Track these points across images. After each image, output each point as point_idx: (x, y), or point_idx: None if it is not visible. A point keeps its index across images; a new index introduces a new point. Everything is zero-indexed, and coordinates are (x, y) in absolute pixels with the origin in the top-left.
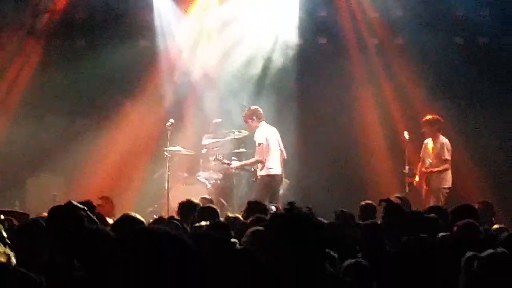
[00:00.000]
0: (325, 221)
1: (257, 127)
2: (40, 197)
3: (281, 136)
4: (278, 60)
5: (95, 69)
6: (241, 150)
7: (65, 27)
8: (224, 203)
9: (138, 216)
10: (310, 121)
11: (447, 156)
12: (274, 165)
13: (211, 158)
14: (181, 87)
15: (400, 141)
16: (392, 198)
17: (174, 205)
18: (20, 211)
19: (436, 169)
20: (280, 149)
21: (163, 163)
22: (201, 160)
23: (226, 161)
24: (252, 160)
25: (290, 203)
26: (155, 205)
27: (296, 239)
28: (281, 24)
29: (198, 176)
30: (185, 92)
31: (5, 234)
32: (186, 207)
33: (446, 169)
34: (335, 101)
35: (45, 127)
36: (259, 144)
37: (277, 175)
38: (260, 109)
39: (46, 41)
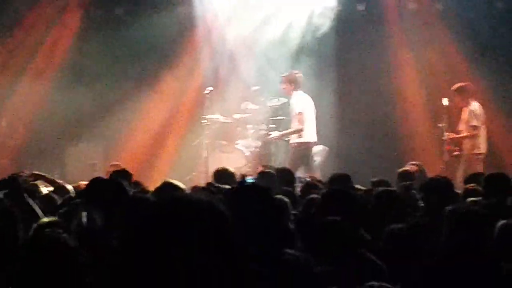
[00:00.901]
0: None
1: (292, 93)
2: (79, 166)
3: (320, 102)
4: (316, 26)
5: (133, 37)
6: (279, 117)
7: None
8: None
9: (178, 183)
10: (349, 88)
11: (475, 122)
12: (310, 133)
13: (249, 126)
14: (219, 54)
15: (440, 107)
16: (408, 166)
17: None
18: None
19: (459, 135)
20: (315, 117)
21: (202, 131)
22: (239, 128)
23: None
24: (292, 129)
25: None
26: (193, 173)
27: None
28: None
29: (237, 144)
30: (223, 59)
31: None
32: (221, 174)
33: (472, 135)
34: (374, 67)
35: (84, 96)
36: (299, 113)
37: (312, 142)
38: (300, 76)
39: (85, 10)
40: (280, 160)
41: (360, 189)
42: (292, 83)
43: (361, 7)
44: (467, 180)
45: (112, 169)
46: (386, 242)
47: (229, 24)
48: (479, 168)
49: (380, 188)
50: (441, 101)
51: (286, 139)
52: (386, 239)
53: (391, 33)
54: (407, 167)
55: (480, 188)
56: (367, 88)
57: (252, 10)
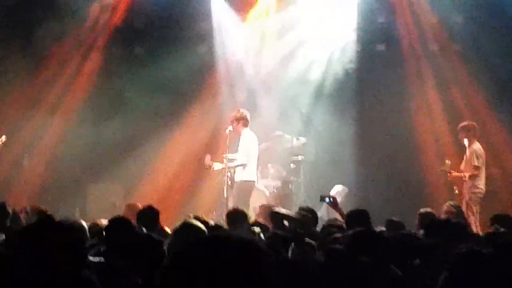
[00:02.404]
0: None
1: (241, 131)
2: (100, 204)
3: (340, 142)
4: (336, 67)
5: (154, 76)
6: (299, 157)
7: (124, 35)
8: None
9: (198, 224)
10: (368, 128)
11: (477, 162)
12: (253, 172)
13: (269, 165)
14: (240, 93)
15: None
16: (446, 207)
17: None
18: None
19: (461, 174)
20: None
21: (223, 170)
22: (260, 167)
23: (211, 164)
24: (237, 163)
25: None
26: (214, 212)
27: None
28: (340, 30)
29: (257, 184)
30: (244, 98)
31: None
32: (233, 215)
33: (474, 175)
34: (394, 108)
35: (105, 135)
36: (246, 149)
37: (254, 182)
38: (247, 114)
39: (107, 49)
40: (301, 200)
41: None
42: (239, 121)
43: (381, 47)
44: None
45: (127, 209)
46: None
47: (250, 63)
48: (477, 207)
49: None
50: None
51: (230, 174)
52: None
53: (411, 74)
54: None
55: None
56: (387, 128)
57: (272, 49)
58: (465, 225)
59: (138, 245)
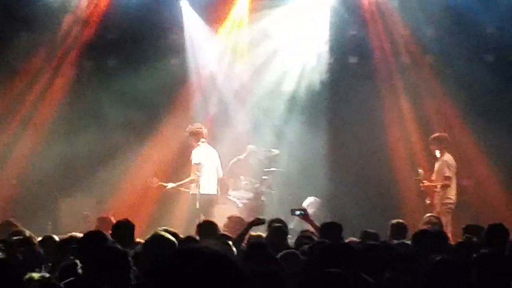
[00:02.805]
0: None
1: (196, 145)
2: (73, 217)
3: (312, 153)
4: (309, 78)
5: (127, 89)
6: (271, 169)
7: (96, 48)
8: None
9: (169, 236)
10: (341, 140)
11: (448, 173)
12: (209, 185)
13: (242, 177)
14: (212, 105)
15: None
16: (427, 218)
17: None
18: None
19: (432, 184)
20: (215, 169)
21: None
22: (232, 179)
23: (161, 183)
24: (187, 180)
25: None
26: (185, 224)
27: None
28: (312, 42)
29: (229, 195)
30: (217, 110)
31: None
32: (204, 227)
33: (444, 185)
34: (366, 119)
35: (78, 147)
36: (194, 164)
37: (210, 194)
38: (201, 129)
39: (79, 62)
40: (273, 212)
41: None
42: (194, 136)
43: (353, 60)
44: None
45: (99, 222)
46: None
47: (222, 75)
48: (448, 217)
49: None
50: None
51: (185, 189)
52: None
53: (383, 85)
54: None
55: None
56: (359, 139)
57: (245, 61)
58: (446, 236)
59: (110, 258)
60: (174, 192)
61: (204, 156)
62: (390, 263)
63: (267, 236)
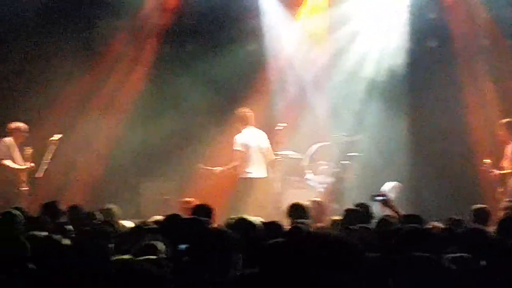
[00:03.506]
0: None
1: (241, 131)
2: (153, 201)
3: (392, 138)
4: (388, 63)
5: (205, 73)
6: (352, 153)
7: (175, 32)
8: (336, 206)
9: (253, 219)
10: (421, 125)
11: None
12: (253, 168)
13: (322, 162)
14: (290, 90)
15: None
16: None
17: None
18: None
19: (503, 171)
20: (262, 153)
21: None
22: (312, 164)
23: (209, 168)
24: (230, 165)
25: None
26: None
27: None
28: (391, 27)
29: (309, 180)
30: (294, 95)
31: None
32: (295, 209)
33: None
34: (446, 104)
35: (158, 132)
36: (235, 151)
37: (255, 178)
38: (247, 113)
39: (157, 47)
40: (354, 196)
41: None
42: (239, 120)
43: (432, 44)
44: None
45: (184, 205)
46: None
47: (301, 60)
48: None
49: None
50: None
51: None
52: None
53: (463, 70)
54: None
55: None
56: (440, 125)
57: (323, 46)
58: None
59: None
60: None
61: (246, 141)
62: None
63: (345, 220)
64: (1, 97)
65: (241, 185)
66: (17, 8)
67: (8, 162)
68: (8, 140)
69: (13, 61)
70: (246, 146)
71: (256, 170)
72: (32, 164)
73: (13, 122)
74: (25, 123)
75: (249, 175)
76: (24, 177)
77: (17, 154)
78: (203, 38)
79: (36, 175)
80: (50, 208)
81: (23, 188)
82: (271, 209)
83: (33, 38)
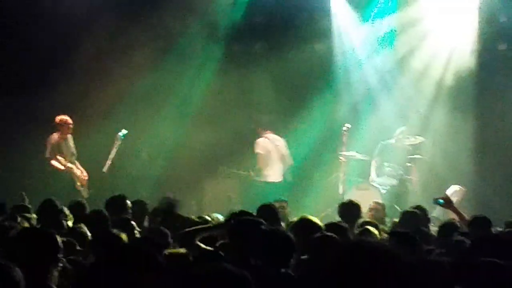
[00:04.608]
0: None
1: (260, 136)
2: (216, 198)
3: (458, 142)
4: (456, 66)
5: (273, 72)
6: (416, 156)
7: (243, 31)
8: (398, 209)
9: (316, 220)
10: (488, 128)
11: None
12: (270, 173)
13: (386, 164)
14: (357, 91)
15: None
16: None
17: None
18: None
19: None
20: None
21: (338, 167)
22: (376, 166)
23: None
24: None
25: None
26: (329, 209)
27: None
28: (460, 30)
29: (373, 181)
30: (361, 96)
31: None
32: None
33: None
34: None
35: (224, 130)
36: (257, 153)
37: (273, 182)
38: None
39: (226, 45)
40: (416, 199)
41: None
42: (261, 126)
43: (502, 47)
44: None
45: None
46: None
47: (368, 61)
48: None
49: None
50: None
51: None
52: None
53: None
54: None
55: None
56: (507, 129)
57: (391, 48)
58: None
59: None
60: (320, 176)
61: (265, 146)
62: None
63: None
64: (70, 92)
65: (260, 188)
66: (90, 4)
67: (55, 163)
68: (57, 136)
69: (85, 56)
70: (263, 152)
71: (273, 175)
72: (70, 165)
73: (58, 116)
74: (93, 118)
75: (267, 179)
76: (75, 176)
77: (66, 149)
78: (272, 37)
79: (104, 170)
80: (116, 203)
81: (79, 186)
82: (333, 209)
83: (105, 34)
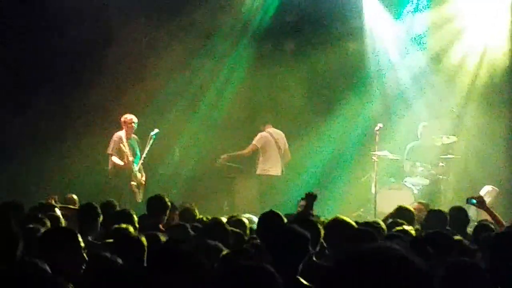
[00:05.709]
0: None
1: (261, 131)
2: (247, 197)
3: (491, 141)
4: (489, 65)
5: (304, 72)
6: (448, 156)
7: (275, 30)
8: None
9: (349, 220)
10: None
11: None
12: (268, 166)
13: (418, 164)
14: (390, 90)
15: None
16: None
17: (381, 209)
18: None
19: None
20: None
21: (370, 167)
22: (408, 165)
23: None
24: (240, 152)
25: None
26: (362, 209)
27: None
28: (493, 28)
29: (405, 181)
30: (394, 96)
31: None
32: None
33: None
34: None
35: (254, 129)
36: (253, 144)
37: (271, 175)
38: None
39: (257, 45)
40: (449, 200)
41: None
42: (264, 124)
43: None
44: None
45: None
46: None
47: (400, 61)
48: None
49: None
50: None
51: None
52: None
53: None
54: None
55: None
56: None
57: (423, 47)
58: None
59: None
60: (351, 176)
61: (262, 140)
62: None
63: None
64: (103, 93)
65: (257, 181)
66: (123, 4)
67: (114, 159)
68: (120, 134)
69: (117, 56)
70: (265, 145)
71: (271, 168)
72: (131, 158)
73: (124, 115)
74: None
75: (266, 172)
76: (134, 177)
77: (127, 147)
78: (303, 36)
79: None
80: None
81: (135, 187)
82: (365, 209)
83: (137, 34)
